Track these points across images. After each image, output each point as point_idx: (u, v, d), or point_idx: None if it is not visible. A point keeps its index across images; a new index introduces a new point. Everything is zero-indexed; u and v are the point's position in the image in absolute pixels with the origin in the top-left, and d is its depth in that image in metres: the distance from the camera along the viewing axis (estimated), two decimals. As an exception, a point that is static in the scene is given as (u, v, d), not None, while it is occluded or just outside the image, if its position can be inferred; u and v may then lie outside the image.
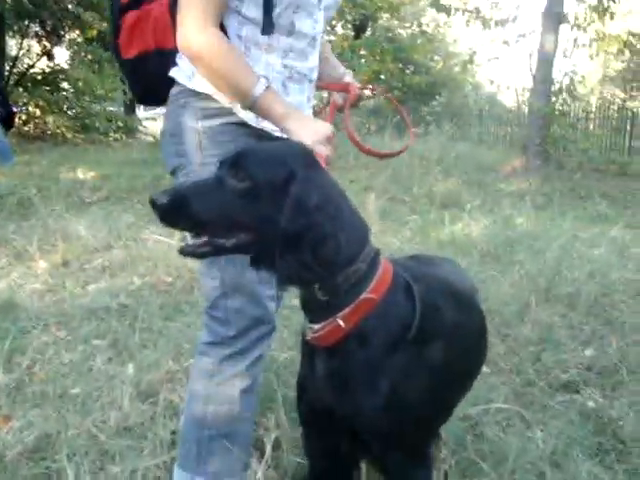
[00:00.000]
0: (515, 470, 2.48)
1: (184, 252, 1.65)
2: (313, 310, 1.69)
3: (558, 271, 4.72)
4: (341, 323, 1.64)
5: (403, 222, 6.89)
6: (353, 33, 21.01)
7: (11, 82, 17.51)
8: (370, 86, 2.55)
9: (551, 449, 2.66)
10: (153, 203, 1.57)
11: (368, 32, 21.81)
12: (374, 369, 1.66)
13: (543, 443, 2.70)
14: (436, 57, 27.69)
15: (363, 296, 1.64)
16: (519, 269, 4.93)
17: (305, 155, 1.68)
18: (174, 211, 1.58)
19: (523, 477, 2.47)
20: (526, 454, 2.56)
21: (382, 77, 19.21)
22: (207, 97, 2.06)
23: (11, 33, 18.80)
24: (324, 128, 1.88)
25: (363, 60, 16.22)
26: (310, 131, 1.86)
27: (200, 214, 1.58)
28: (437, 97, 24.10)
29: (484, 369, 3.41)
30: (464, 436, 2.68)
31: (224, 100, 2.05)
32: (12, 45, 19.92)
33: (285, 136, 1.92)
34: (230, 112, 2.08)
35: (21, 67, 18.91)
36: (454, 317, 1.81)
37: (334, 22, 19.64)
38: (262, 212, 1.57)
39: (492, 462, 2.52)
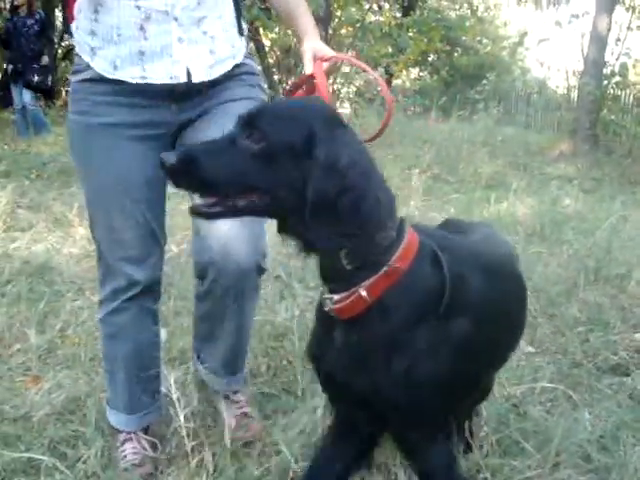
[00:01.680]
0: (560, 452, 2.35)
1: (195, 211, 1.56)
2: (335, 279, 1.56)
3: (608, 251, 4.54)
4: (364, 294, 1.52)
5: (447, 200, 6.77)
6: (401, 14, 20.78)
7: (58, 56, 17.63)
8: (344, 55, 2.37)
9: (599, 432, 2.53)
10: (162, 163, 1.49)
11: (416, 13, 21.56)
12: (395, 344, 1.55)
13: (591, 426, 2.57)
14: (485, 40, 27.29)
15: (390, 265, 1.52)
16: (567, 249, 4.78)
17: (327, 113, 1.56)
18: (183, 172, 1.49)
19: (568, 459, 2.34)
20: (572, 436, 2.43)
21: (430, 58, 18.99)
22: (77, 54, 2.13)
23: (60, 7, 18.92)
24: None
25: (410, 40, 16.01)
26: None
27: (211, 176, 1.49)
28: (485, 80, 23.75)
29: (529, 348, 3.29)
30: (507, 415, 2.56)
31: (85, 54, 2.09)
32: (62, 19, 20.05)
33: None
34: (87, 68, 2.10)
35: (69, 41, 19.02)
36: (483, 287, 1.66)
37: (382, 2, 19.44)
38: (280, 175, 1.46)
39: (535, 442, 2.41)
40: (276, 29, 13.43)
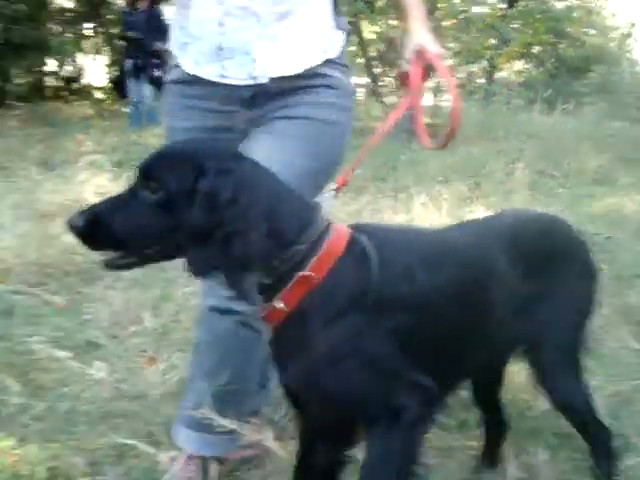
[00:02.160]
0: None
1: (108, 265, 1.62)
2: (262, 292, 1.64)
3: None
4: (280, 304, 1.61)
5: (552, 195, 6.66)
6: (506, 5, 20.43)
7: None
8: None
9: None
10: (70, 226, 1.55)
11: (521, 4, 21.15)
12: (314, 344, 1.61)
13: None
14: (592, 31, 26.51)
15: (300, 275, 1.58)
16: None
17: (220, 148, 1.65)
18: (91, 234, 1.56)
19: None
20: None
21: (534, 50, 18.61)
22: (171, 50, 2.19)
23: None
24: None
25: (515, 32, 15.74)
26: None
27: (118, 233, 1.55)
28: (591, 72, 23.09)
29: (635, 345, 3.24)
30: (617, 411, 2.55)
31: (176, 49, 2.14)
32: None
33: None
34: (174, 67, 2.16)
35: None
36: (426, 281, 1.69)
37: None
38: (181, 219, 1.52)
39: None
40: (379, 22, 13.44)
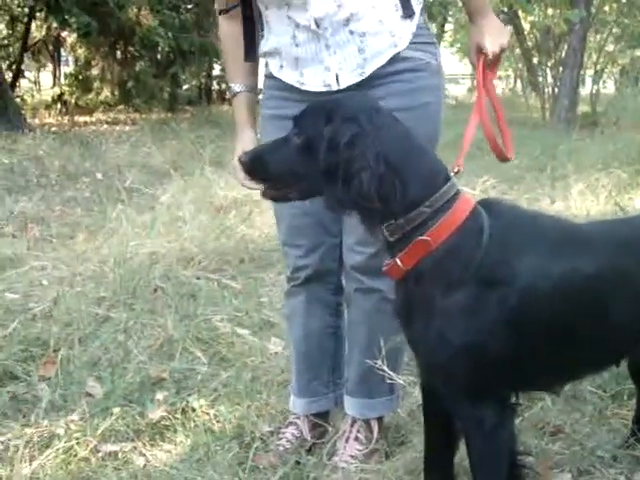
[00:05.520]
0: None
1: (264, 195, 1.96)
2: (387, 249, 1.82)
3: None
4: (398, 262, 1.78)
5: None
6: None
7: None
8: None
9: None
10: (240, 161, 1.98)
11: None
12: (428, 306, 1.76)
13: None
14: None
15: (419, 239, 1.74)
16: None
17: (358, 102, 1.84)
18: (253, 167, 1.93)
19: None
20: None
21: None
22: None
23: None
24: (239, 151, 2.19)
25: None
26: (237, 150, 2.25)
27: (272, 170, 1.89)
28: None
29: None
30: None
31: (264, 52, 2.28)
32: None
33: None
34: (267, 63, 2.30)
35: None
36: (538, 265, 1.74)
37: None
38: (317, 161, 1.76)
39: None
40: (535, 11, 13.26)
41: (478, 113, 2.07)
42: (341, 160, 1.70)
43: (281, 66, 2.20)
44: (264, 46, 2.25)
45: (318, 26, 2.07)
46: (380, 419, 2.49)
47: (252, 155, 1.94)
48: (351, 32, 2.08)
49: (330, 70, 2.11)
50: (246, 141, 2.31)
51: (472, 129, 2.06)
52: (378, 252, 2.02)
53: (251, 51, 2.29)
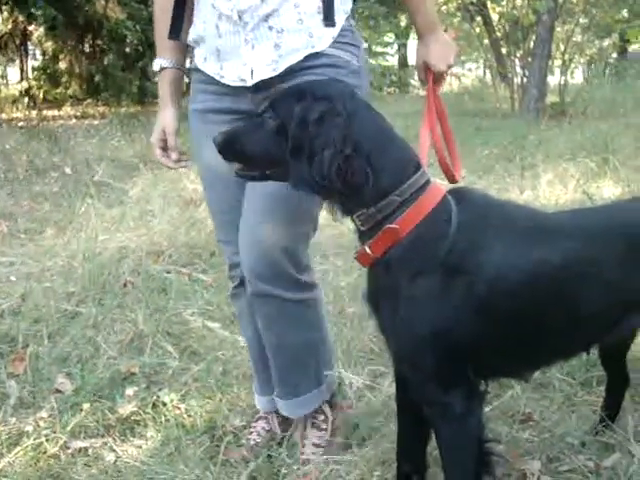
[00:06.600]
0: None
1: (237, 174, 1.95)
2: (359, 237, 1.85)
3: None
4: (367, 250, 1.80)
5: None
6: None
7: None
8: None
9: None
10: (214, 141, 1.91)
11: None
12: (395, 294, 1.78)
13: None
14: None
15: (387, 227, 1.75)
16: None
17: (333, 87, 1.85)
18: (227, 148, 1.90)
19: None
20: None
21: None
22: None
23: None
24: (159, 128, 2.25)
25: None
26: (156, 127, 2.28)
27: (244, 151, 1.88)
28: None
29: None
30: None
31: (192, 43, 2.27)
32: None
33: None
34: (192, 57, 2.30)
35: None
36: (506, 254, 1.75)
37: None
38: (287, 143, 1.77)
39: None
40: (503, 2, 13.33)
41: (427, 127, 2.13)
42: (307, 136, 1.72)
43: (205, 58, 2.20)
44: (192, 33, 2.23)
45: (240, 18, 2.06)
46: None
47: (226, 136, 1.92)
48: (270, 28, 2.08)
49: (246, 65, 2.10)
50: (167, 119, 2.27)
51: (425, 145, 2.11)
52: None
53: (175, 29, 2.24)
